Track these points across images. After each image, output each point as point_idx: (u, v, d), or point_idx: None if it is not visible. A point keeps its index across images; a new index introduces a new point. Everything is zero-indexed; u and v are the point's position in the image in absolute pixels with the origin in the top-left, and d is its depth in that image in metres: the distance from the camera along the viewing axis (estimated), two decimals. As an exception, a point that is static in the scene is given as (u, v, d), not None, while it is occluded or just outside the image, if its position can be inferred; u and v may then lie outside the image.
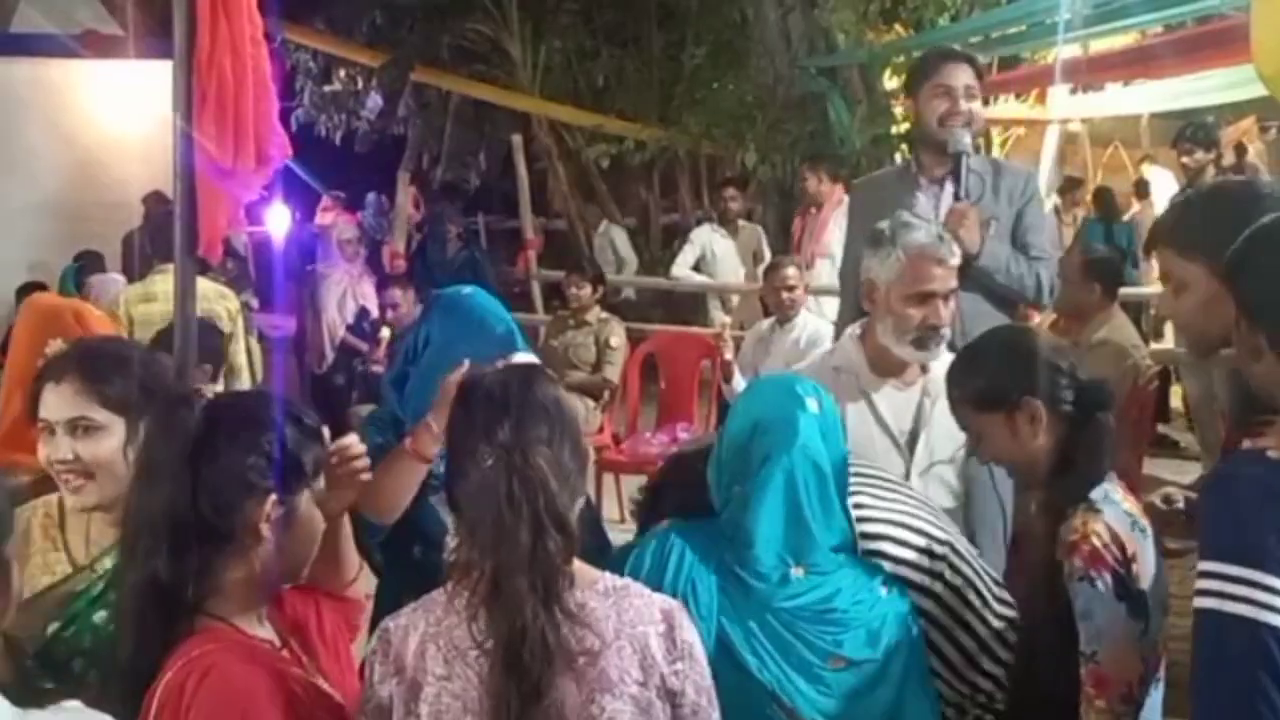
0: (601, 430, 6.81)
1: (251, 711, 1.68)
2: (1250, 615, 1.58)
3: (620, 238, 10.47)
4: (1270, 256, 1.88)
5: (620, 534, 6.68)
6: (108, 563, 2.14)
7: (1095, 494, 2.20)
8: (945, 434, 2.70)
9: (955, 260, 2.83)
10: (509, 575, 1.74)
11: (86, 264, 6.31)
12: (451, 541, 2.49)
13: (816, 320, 5.88)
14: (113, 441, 2.14)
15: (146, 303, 5.36)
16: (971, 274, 3.17)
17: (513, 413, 1.82)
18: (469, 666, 1.75)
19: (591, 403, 6.81)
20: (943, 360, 2.78)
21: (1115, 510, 2.19)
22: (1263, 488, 1.67)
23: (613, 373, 6.81)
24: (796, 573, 2.12)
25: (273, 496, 1.78)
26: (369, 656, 1.81)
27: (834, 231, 6.69)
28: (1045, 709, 2.20)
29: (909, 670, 2.17)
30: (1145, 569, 2.16)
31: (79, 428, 2.13)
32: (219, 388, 4.56)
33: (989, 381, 2.31)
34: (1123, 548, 2.14)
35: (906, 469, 2.80)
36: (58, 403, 2.14)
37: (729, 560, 2.13)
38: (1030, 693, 2.23)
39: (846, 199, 5.68)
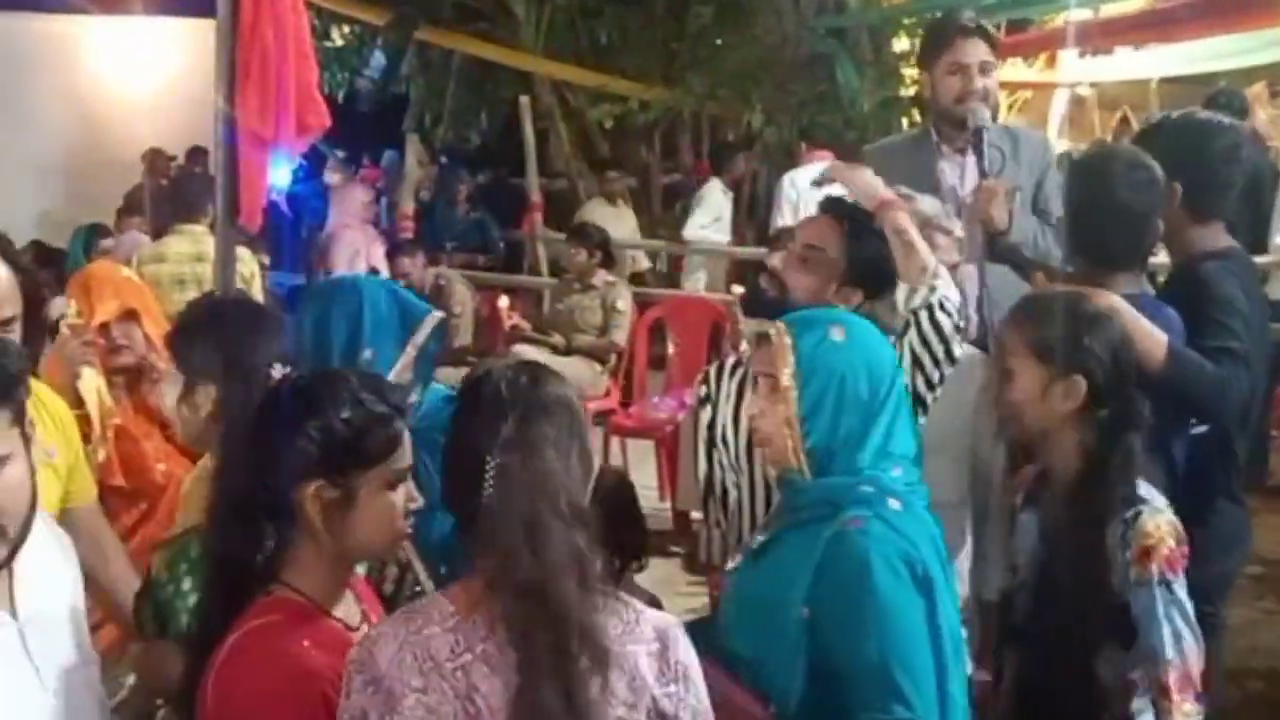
0: (608, 394, 6.84)
1: (291, 684, 1.70)
2: None
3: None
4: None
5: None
6: None
7: (1144, 492, 2.21)
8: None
9: (958, 232, 2.85)
10: (555, 577, 1.63)
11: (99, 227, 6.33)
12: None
13: None
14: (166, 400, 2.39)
15: (156, 263, 5.42)
16: (999, 248, 3.17)
17: (518, 410, 1.71)
18: (444, 679, 1.63)
19: (599, 366, 6.85)
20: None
21: (1166, 508, 2.22)
22: None
23: (619, 336, 6.84)
24: None
25: (318, 480, 1.75)
26: (349, 665, 1.68)
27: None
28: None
29: None
30: None
31: None
32: None
33: (1062, 338, 2.27)
34: (1183, 548, 2.18)
35: None
36: None
37: None
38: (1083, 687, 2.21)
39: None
